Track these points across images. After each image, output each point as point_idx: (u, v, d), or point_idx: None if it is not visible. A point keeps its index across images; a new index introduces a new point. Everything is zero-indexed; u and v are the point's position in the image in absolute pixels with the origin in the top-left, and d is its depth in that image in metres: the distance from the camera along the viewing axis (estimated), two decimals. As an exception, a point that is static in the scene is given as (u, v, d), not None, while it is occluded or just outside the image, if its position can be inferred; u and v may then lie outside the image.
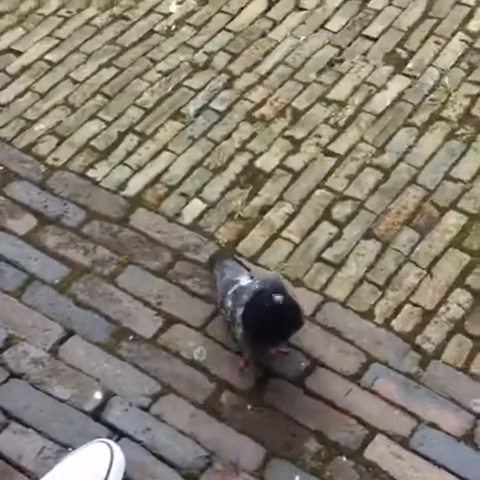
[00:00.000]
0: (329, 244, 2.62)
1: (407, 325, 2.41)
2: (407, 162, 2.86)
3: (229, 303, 2.24)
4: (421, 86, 3.11)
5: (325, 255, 2.59)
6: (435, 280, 2.51)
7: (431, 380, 2.28)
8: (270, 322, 2.12)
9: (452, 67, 3.18)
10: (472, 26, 3.33)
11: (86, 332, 2.39)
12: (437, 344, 2.36)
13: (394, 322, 2.41)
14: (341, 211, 2.71)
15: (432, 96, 3.08)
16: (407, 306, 2.46)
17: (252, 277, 2.30)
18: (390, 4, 3.43)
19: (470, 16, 3.37)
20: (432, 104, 3.05)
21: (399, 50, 3.25)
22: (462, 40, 3.29)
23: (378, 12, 3.40)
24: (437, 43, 3.27)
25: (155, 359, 2.34)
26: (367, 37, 3.30)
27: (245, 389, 2.28)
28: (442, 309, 2.44)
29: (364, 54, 3.24)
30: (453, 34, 3.31)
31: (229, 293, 2.26)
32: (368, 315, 2.43)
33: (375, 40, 3.29)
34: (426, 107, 3.04)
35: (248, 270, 2.40)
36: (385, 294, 2.48)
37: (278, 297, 2.07)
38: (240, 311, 2.17)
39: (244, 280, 2.28)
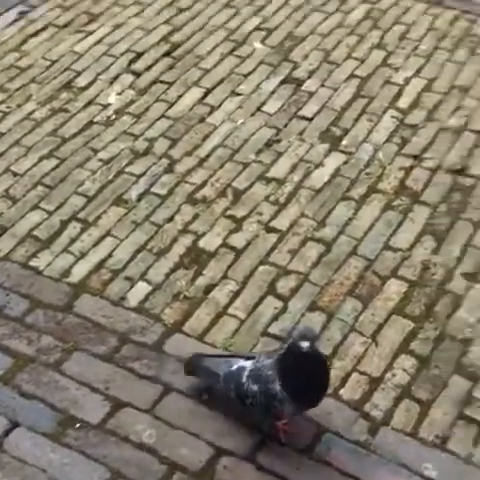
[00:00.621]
0: (275, 318, 2.63)
1: (355, 393, 2.41)
2: (347, 234, 2.92)
3: (254, 387, 2.21)
4: (357, 161, 3.21)
5: (271, 329, 2.60)
6: (380, 348, 2.53)
7: (381, 447, 2.28)
8: (317, 375, 2.16)
9: (385, 142, 3.29)
10: (402, 103, 3.47)
11: (32, 423, 2.34)
12: (385, 410, 2.36)
13: (342, 391, 2.42)
14: (285, 285, 2.74)
15: (368, 170, 3.17)
16: (354, 375, 2.46)
17: (248, 358, 2.31)
18: (323, 86, 3.57)
19: (399, 94, 3.51)
20: (368, 178, 3.14)
21: (334, 128, 3.36)
22: (393, 116, 3.41)
23: (312, 94, 3.53)
24: (370, 120, 3.40)
25: (103, 445, 2.29)
26: (302, 117, 3.42)
27: (196, 470, 2.25)
28: (388, 375, 2.46)
29: (300, 133, 3.34)
30: (384, 111, 3.44)
31: (243, 381, 2.24)
32: (317, 386, 2.42)
33: (310, 120, 3.40)
34: (363, 181, 3.13)
35: (229, 356, 2.40)
36: (332, 364, 2.49)
37: (306, 345, 2.11)
38: (277, 386, 2.15)
39: (247, 363, 2.27)
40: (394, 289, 2.72)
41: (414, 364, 2.48)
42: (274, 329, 2.59)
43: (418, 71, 3.62)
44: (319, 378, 2.18)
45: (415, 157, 3.21)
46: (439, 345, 2.53)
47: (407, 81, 3.58)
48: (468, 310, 2.63)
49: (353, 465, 2.23)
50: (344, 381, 2.44)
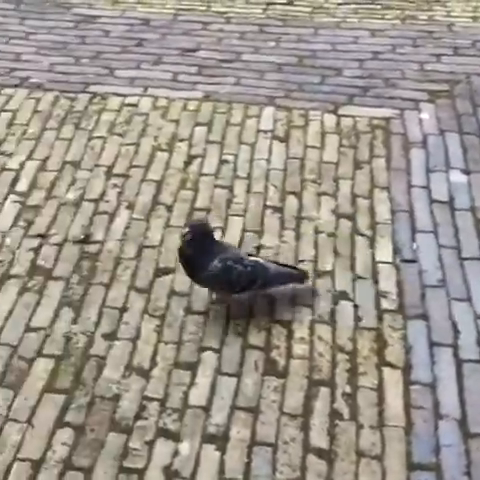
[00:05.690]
0: None
1: (20, 482, 2.43)
2: (-11, 329, 2.93)
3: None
4: (-14, 254, 3.24)
5: None
6: (37, 429, 2.58)
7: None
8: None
9: (11, 227, 3.36)
10: (20, 187, 3.57)
11: None
12: (50, 489, 2.41)
13: (8, 484, 2.43)
14: None
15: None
16: (16, 464, 2.48)
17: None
18: None
19: (16, 179, 3.62)
20: (0, 266, 3.18)
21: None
22: (14, 201, 3.50)
23: None
24: (-7, 210, 3.45)
25: None
26: None
27: None
28: (49, 454, 2.51)
29: None
30: (5, 198, 3.52)
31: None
32: (-23, 488, 2.41)
33: None
34: (-4, 270, 3.16)
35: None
36: (-10, 461, 2.48)
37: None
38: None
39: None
40: (42, 368, 2.78)
41: (71, 435, 2.56)
42: None
43: (31, 153, 3.76)
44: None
45: (42, 236, 3.32)
46: (92, 409, 2.64)
47: (22, 165, 3.70)
48: (112, 368, 2.78)
49: None
50: (7, 473, 2.45)
